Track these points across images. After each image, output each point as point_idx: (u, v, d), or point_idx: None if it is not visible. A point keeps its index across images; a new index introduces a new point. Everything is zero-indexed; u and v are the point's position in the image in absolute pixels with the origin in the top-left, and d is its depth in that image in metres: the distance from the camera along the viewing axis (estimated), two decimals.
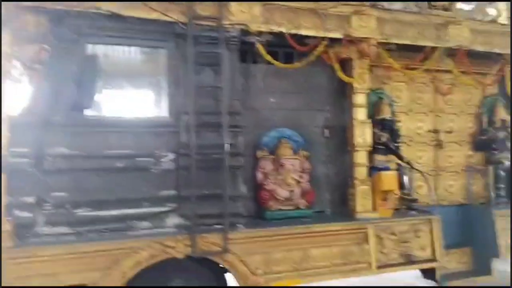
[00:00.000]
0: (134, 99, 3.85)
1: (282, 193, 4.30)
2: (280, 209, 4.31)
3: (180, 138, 3.72)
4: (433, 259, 4.56)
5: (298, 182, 4.38)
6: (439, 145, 5.27)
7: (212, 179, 3.72)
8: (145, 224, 3.60)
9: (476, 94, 5.51)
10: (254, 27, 3.98)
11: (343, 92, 4.66)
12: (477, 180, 5.42)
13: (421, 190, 5.12)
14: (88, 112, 3.59)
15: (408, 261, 4.46)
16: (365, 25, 4.41)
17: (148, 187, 3.61)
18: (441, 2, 5.02)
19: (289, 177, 4.32)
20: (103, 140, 3.53)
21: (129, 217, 3.55)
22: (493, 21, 5.32)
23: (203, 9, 3.80)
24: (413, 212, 4.69)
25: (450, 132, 5.34)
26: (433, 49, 4.74)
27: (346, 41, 4.35)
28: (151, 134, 3.67)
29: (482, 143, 5.35)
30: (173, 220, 3.66)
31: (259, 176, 4.33)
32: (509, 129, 5.33)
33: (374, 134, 4.67)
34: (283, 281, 3.93)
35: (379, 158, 4.71)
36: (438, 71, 5.00)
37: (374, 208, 4.47)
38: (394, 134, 4.86)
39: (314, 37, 4.25)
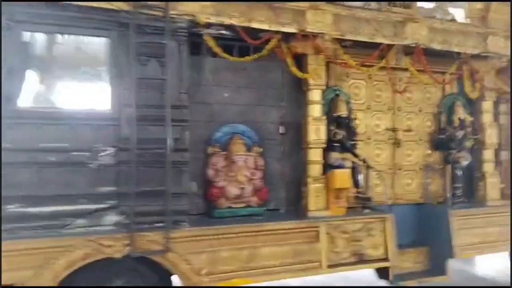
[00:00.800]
0: (74, 91, 3.66)
1: (233, 190, 4.19)
2: (230, 207, 4.19)
3: (121, 132, 3.56)
4: (386, 259, 4.52)
5: (250, 179, 4.27)
6: (397, 143, 5.24)
7: (154, 175, 3.58)
8: (81, 221, 3.43)
9: (436, 93, 5.51)
10: (202, 18, 3.84)
11: (300, 88, 4.58)
12: (435, 179, 5.43)
13: (378, 188, 5.10)
14: (22, 104, 3.40)
15: (360, 260, 4.42)
16: (321, 21, 4.33)
17: (85, 183, 3.45)
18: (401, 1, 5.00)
19: (240, 174, 4.21)
20: (37, 133, 3.35)
21: (63, 214, 3.38)
22: (453, 20, 5.33)
23: None
24: (367, 211, 4.65)
25: (408, 130, 5.32)
26: (390, 46, 4.69)
27: (301, 36, 4.26)
28: (89, 127, 3.50)
29: (440, 142, 5.35)
30: (112, 218, 3.50)
31: (210, 172, 4.20)
32: (468, 129, 5.35)
33: (330, 131, 4.62)
34: (231, 281, 3.82)
35: (335, 156, 4.65)
36: (395, 69, 4.96)
37: (328, 207, 4.41)
38: (350, 131, 4.81)
39: (268, 31, 4.14)
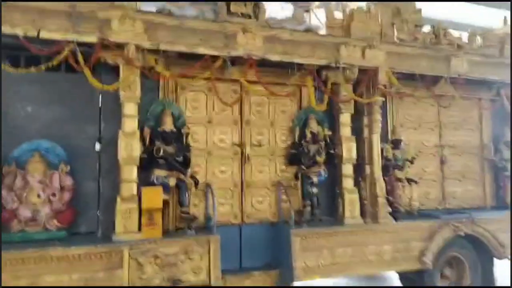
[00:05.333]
0: None
1: (25, 213, 3.85)
2: (23, 231, 3.84)
3: None
4: (207, 284, 4.15)
5: (49, 201, 3.94)
6: (244, 159, 4.94)
7: None
8: None
9: (292, 107, 5.24)
10: None
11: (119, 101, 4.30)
12: (292, 196, 5.09)
13: (222, 207, 4.79)
14: None
15: (176, 286, 4.04)
16: (129, 30, 4.10)
17: None
18: (244, 10, 4.80)
19: (33, 195, 3.88)
20: None
21: None
22: (308, 30, 5.11)
23: None
24: (191, 232, 4.30)
25: (258, 145, 5.04)
26: (216, 57, 4.45)
27: (101, 45, 4.01)
28: None
29: (292, 157, 5.05)
30: None
31: (3, 194, 3.87)
32: (321, 143, 5.07)
33: (154, 146, 4.33)
34: None
35: (157, 173, 4.34)
36: (221, 80, 4.70)
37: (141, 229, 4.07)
38: (181, 147, 4.51)
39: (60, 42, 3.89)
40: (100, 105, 4.35)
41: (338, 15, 5.49)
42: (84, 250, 3.76)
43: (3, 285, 3.47)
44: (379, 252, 4.94)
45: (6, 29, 3.71)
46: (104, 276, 3.79)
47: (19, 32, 3.74)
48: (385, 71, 5.18)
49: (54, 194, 3.96)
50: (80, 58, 3.92)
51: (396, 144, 5.49)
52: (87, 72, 3.95)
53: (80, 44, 3.95)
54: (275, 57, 4.70)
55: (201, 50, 4.38)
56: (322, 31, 5.29)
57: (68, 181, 4.09)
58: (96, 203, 4.26)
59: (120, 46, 4.07)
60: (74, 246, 3.75)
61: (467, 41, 5.97)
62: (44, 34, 3.82)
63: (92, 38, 3.98)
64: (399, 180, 5.42)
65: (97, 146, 4.29)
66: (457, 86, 5.78)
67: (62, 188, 4.05)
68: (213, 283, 4.14)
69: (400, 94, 5.55)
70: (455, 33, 6.00)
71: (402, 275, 5.58)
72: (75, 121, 4.27)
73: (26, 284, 3.55)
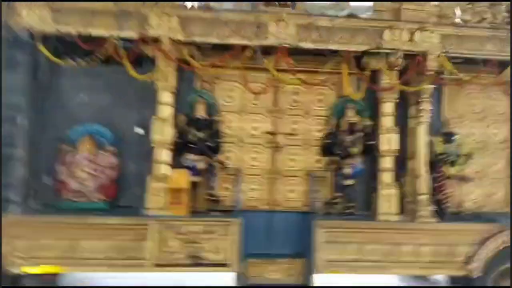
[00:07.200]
0: None
1: (73, 185, 4.51)
2: (71, 200, 4.51)
3: None
4: (226, 264, 4.35)
5: (94, 176, 4.55)
6: (277, 147, 4.99)
7: None
8: None
9: (329, 95, 5.10)
10: (39, 28, 4.29)
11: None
12: (325, 187, 5.00)
13: (253, 193, 4.94)
14: None
15: (195, 262, 4.33)
16: (165, 25, 4.44)
17: None
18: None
19: (80, 171, 4.52)
20: None
21: None
22: (350, 15, 4.90)
23: None
24: (216, 213, 4.54)
25: (292, 134, 5.03)
26: (246, 47, 4.55)
27: (142, 40, 4.42)
28: None
29: (326, 147, 4.93)
30: None
31: (59, 168, 4.59)
32: (359, 133, 4.84)
33: (187, 132, 4.67)
34: (47, 267, 4.13)
35: (189, 157, 4.68)
36: (251, 69, 4.74)
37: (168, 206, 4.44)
38: (213, 134, 4.76)
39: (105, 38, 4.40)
40: (142, 94, 4.82)
41: None
42: (117, 220, 4.27)
43: (45, 241, 4.12)
44: (416, 253, 4.56)
45: (61, 28, 4.35)
46: (133, 246, 4.25)
47: (72, 30, 4.36)
48: (437, 56, 4.71)
49: (99, 171, 4.56)
50: (122, 52, 4.40)
51: (447, 137, 4.95)
52: (127, 64, 4.41)
53: (123, 39, 4.44)
54: (308, 45, 4.62)
55: (232, 41, 4.53)
56: (368, 15, 5.03)
57: (113, 160, 4.66)
58: (137, 181, 4.76)
59: (157, 40, 4.45)
60: (109, 217, 4.29)
61: None
62: (92, 32, 4.38)
63: (132, 34, 4.42)
64: (451, 177, 4.90)
65: (140, 130, 4.78)
66: None
67: (107, 166, 4.63)
68: (231, 264, 4.33)
69: (458, 81, 4.96)
70: None
71: (454, 279, 5.06)
72: (122, 108, 4.80)
73: (67, 245, 4.17)
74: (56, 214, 4.31)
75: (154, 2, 4.46)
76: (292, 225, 4.94)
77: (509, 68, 4.83)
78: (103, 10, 4.41)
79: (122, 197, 4.74)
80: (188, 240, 4.35)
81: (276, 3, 4.80)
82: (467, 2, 5.11)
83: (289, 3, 4.82)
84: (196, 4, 4.54)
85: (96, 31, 4.38)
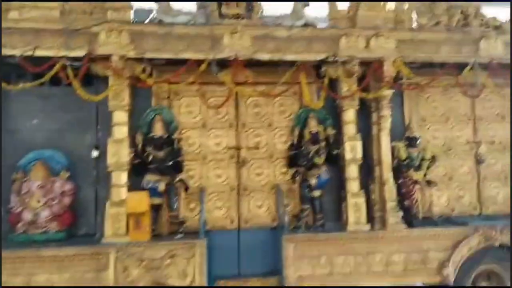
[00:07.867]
0: None
1: (27, 216, 4.24)
2: (25, 232, 4.23)
3: None
4: None
5: (48, 205, 4.29)
6: (241, 162, 4.86)
7: None
8: None
9: (292, 106, 5.02)
10: None
11: None
12: (292, 200, 4.88)
13: (219, 212, 4.77)
14: None
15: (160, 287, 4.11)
16: (114, 42, 4.29)
17: None
18: (236, 10, 4.74)
19: (34, 200, 4.26)
20: None
21: None
22: (306, 25, 4.85)
23: None
24: (179, 236, 4.34)
25: (255, 148, 4.90)
26: (201, 61, 4.43)
27: (91, 59, 4.25)
28: None
29: (292, 159, 4.82)
30: None
31: (12, 199, 4.31)
32: (322, 143, 4.76)
33: (146, 153, 4.49)
34: None
35: (149, 178, 4.48)
36: (209, 83, 4.63)
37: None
38: (173, 152, 4.58)
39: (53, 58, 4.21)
40: (97, 115, 4.62)
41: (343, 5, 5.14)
42: (74, 251, 4.02)
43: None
44: (388, 262, 4.48)
45: (6, 51, 4.13)
46: (92, 277, 4.01)
47: (17, 53, 4.15)
48: (394, 61, 4.70)
49: (53, 199, 4.30)
50: (69, 71, 4.21)
51: (411, 142, 4.92)
52: (76, 84, 4.22)
53: (71, 58, 4.25)
54: (264, 56, 4.55)
55: (187, 55, 4.41)
56: (324, 24, 5.01)
57: (68, 186, 4.41)
58: (94, 207, 4.53)
59: (107, 58, 4.29)
60: (64, 247, 4.03)
61: (503, 21, 5.16)
62: (38, 53, 4.18)
63: (81, 53, 4.24)
64: (416, 182, 4.86)
65: (94, 153, 4.56)
66: (493, 73, 5.01)
67: (62, 193, 4.38)
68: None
69: (416, 85, 4.96)
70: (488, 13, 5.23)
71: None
72: (75, 131, 4.60)
73: (22, 282, 3.90)
74: (9, 249, 4.02)
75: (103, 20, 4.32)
76: (262, 242, 4.77)
77: (467, 70, 4.85)
78: (49, 29, 4.23)
79: (79, 225, 4.50)
80: (151, 266, 4.13)
81: (231, 15, 4.72)
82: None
83: (244, 13, 4.76)
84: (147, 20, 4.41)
85: (42, 52, 4.19)
